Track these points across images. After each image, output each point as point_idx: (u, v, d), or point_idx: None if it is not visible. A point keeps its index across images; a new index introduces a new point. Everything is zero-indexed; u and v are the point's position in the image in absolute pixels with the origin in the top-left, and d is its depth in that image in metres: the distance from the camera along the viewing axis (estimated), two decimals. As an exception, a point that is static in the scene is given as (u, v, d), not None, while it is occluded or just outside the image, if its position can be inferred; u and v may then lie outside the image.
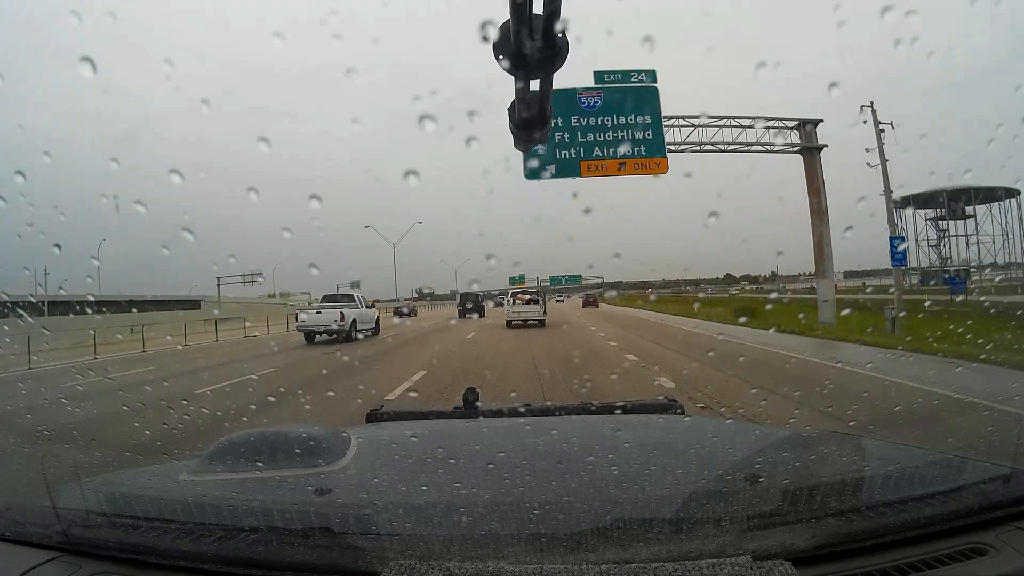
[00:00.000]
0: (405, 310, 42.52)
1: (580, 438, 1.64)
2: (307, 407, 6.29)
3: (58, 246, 2.74)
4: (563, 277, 73.52)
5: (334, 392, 7.15)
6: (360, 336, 18.50)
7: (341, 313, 18.01)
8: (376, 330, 20.64)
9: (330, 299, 19.72)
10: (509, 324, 22.54)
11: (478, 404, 2.00)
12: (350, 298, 20.13)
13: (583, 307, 44.30)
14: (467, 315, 27.53)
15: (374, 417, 2.02)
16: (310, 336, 18.12)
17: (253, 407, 6.67)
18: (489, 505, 1.14)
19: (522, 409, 1.87)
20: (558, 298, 76.92)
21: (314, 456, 1.38)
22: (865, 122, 16.86)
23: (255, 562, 0.95)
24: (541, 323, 22.74)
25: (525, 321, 22.93)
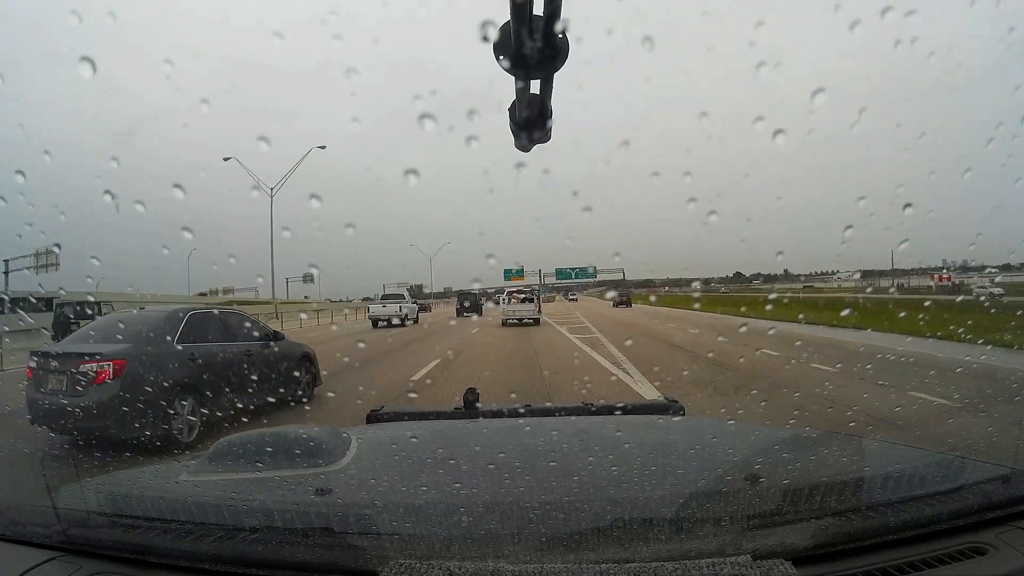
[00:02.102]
0: (419, 306, 45.39)
1: (580, 439, 1.64)
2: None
3: (58, 246, 2.74)
4: (572, 270, 59.06)
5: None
6: (409, 323, 26.12)
7: (399, 307, 26.54)
8: (417, 319, 28.38)
9: (388, 298, 28.51)
10: (504, 323, 22.81)
11: (478, 404, 2.00)
12: (401, 296, 29.15)
13: (615, 306, 36.82)
14: (464, 314, 29.37)
15: (374, 417, 2.02)
16: (375, 322, 25.62)
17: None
18: (489, 505, 1.14)
19: (522, 410, 1.86)
20: (571, 295, 66.89)
21: (314, 456, 1.38)
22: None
23: (255, 562, 0.95)
24: (536, 321, 23.11)
25: (520, 320, 23.27)
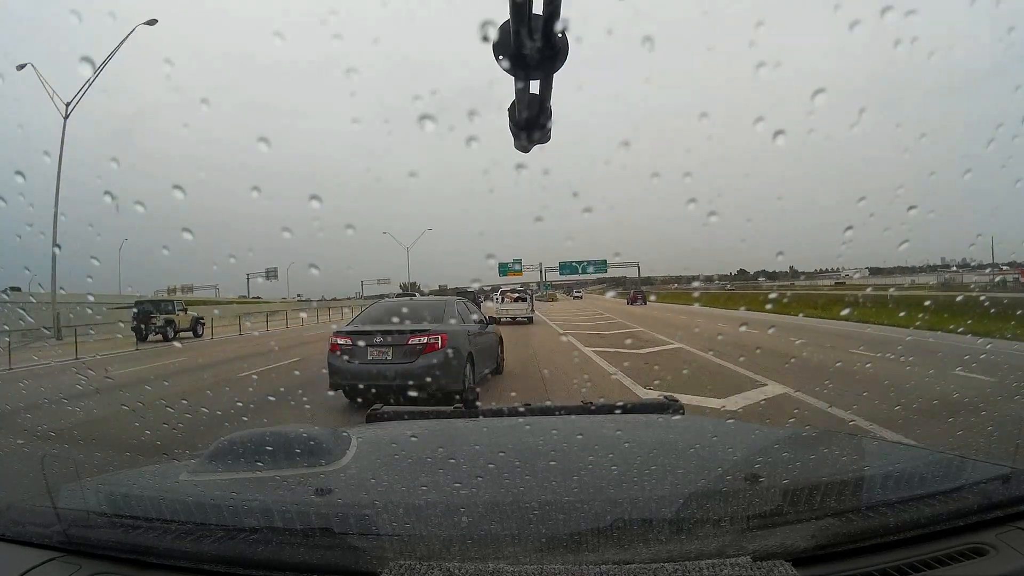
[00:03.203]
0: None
1: (580, 438, 1.64)
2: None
3: (58, 246, 2.74)
4: (579, 264, 53.14)
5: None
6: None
7: None
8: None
9: (403, 294, 32.25)
10: (498, 322, 22.64)
11: (478, 404, 2.00)
12: (414, 294, 32.40)
13: (629, 304, 35.52)
14: None
15: (374, 417, 2.01)
16: None
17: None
18: (489, 505, 1.14)
19: (522, 409, 1.86)
20: (576, 293, 64.96)
21: (314, 456, 1.38)
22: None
23: (255, 562, 0.95)
24: (529, 320, 23.55)
25: (514, 319, 23.49)
